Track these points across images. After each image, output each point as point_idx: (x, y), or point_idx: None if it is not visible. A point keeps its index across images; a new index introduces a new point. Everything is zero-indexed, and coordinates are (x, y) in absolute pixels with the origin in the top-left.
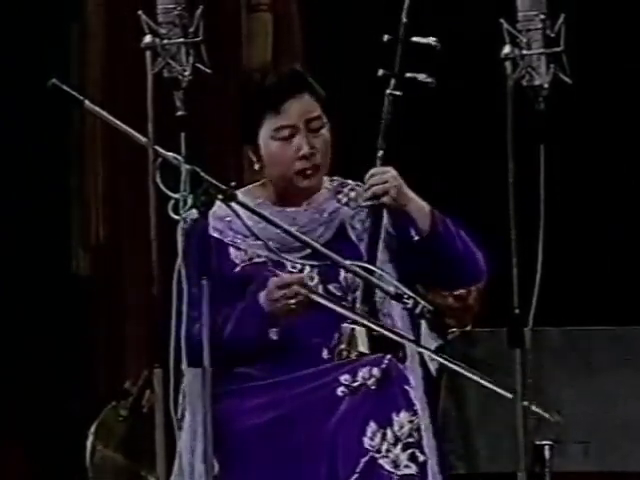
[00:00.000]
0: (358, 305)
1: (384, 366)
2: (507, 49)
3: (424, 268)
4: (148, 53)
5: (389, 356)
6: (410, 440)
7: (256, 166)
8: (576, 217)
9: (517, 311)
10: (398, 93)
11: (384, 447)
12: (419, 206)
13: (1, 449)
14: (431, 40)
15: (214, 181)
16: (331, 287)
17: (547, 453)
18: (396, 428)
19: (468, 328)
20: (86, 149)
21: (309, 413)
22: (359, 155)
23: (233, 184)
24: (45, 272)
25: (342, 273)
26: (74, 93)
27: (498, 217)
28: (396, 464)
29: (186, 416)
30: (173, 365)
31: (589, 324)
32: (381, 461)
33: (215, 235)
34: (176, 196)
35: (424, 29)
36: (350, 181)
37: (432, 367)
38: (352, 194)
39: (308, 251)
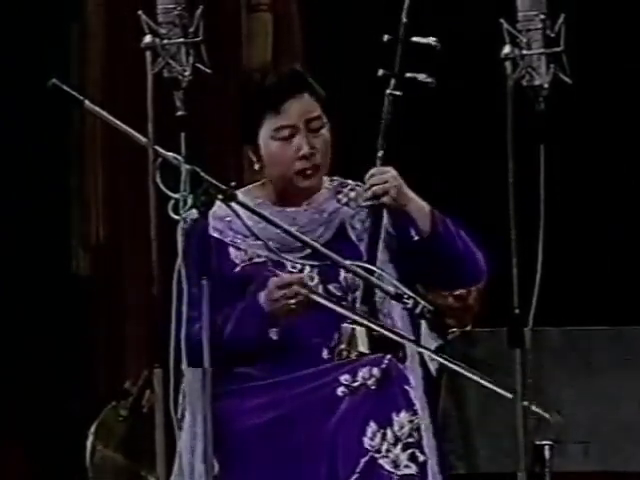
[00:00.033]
0: (358, 305)
1: (384, 366)
2: (507, 49)
3: (424, 268)
4: (148, 53)
5: (389, 356)
6: (410, 440)
7: (256, 166)
8: (576, 217)
9: (517, 311)
10: (398, 93)
11: (384, 447)
12: (419, 206)
13: (1, 449)
14: (431, 40)
15: (214, 181)
16: (331, 287)
17: (547, 453)
18: (396, 428)
19: (468, 328)
20: (86, 149)
21: (309, 413)
22: (359, 155)
23: (233, 184)
24: (45, 272)
25: (342, 273)
26: (74, 93)
27: (498, 217)
28: (396, 464)
29: (186, 416)
30: (173, 365)
31: (589, 324)
32: (381, 461)
33: (215, 235)
34: (176, 196)
35: (424, 29)
36: (350, 181)
37: (432, 367)
38: (352, 194)
39: (308, 251)
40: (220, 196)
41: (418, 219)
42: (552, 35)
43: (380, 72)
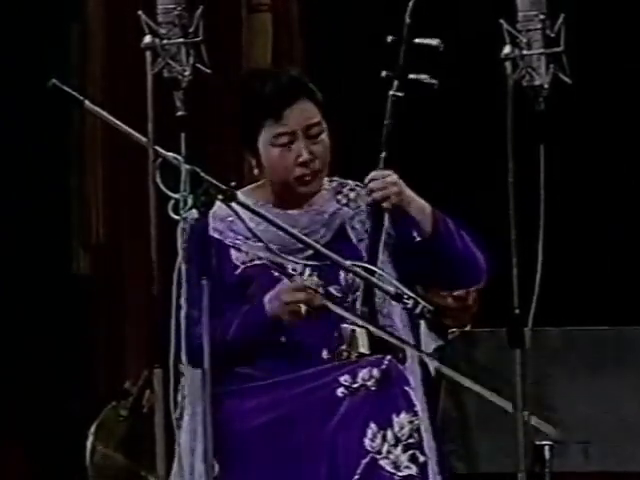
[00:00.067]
0: (358, 306)
1: (384, 367)
2: (507, 49)
3: (424, 268)
4: (148, 53)
5: (389, 357)
6: (411, 441)
7: (255, 171)
8: (576, 217)
9: (517, 311)
10: (401, 94)
11: (385, 448)
12: (421, 207)
13: (1, 449)
14: (434, 41)
15: (214, 181)
16: (331, 289)
17: (547, 453)
18: (396, 429)
19: (468, 328)
20: (86, 149)
21: (309, 413)
22: (359, 156)
23: (233, 184)
24: (45, 272)
25: (342, 274)
26: (74, 93)
27: (498, 217)
28: (397, 465)
29: (185, 416)
30: (173, 365)
31: (589, 324)
32: (382, 462)
33: (216, 236)
34: (176, 196)
35: (423, 29)
36: (350, 181)
37: (431, 368)
38: (352, 194)
39: (309, 253)
40: (220, 196)
41: (420, 220)
42: (552, 35)
43: (383, 73)
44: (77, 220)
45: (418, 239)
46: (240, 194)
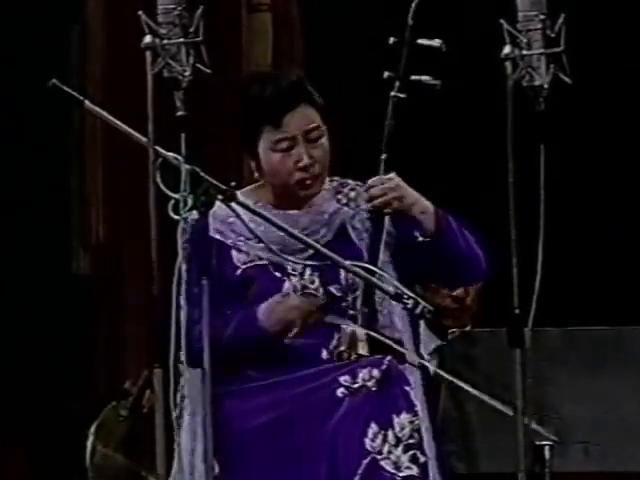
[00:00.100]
0: (358, 306)
1: (384, 367)
2: (507, 49)
3: (425, 268)
4: (148, 53)
5: (389, 357)
6: (411, 441)
7: (256, 174)
8: (576, 217)
9: (517, 311)
10: (402, 96)
11: (385, 448)
12: (423, 207)
13: (1, 449)
14: (437, 42)
15: (214, 181)
16: (332, 288)
17: (547, 453)
18: (397, 429)
19: (467, 328)
20: (86, 149)
21: (309, 413)
22: (359, 156)
23: (233, 184)
24: (45, 272)
25: (342, 274)
26: (74, 93)
27: (498, 217)
28: (397, 465)
29: (185, 416)
30: (173, 365)
31: (589, 324)
32: (382, 462)
33: (216, 237)
34: (176, 196)
35: (424, 30)
36: (350, 181)
37: (431, 368)
38: (352, 194)
39: (309, 253)
40: (220, 196)
41: (423, 220)
42: (552, 35)
43: (385, 75)
44: (77, 220)
45: (420, 239)
46: (240, 194)
